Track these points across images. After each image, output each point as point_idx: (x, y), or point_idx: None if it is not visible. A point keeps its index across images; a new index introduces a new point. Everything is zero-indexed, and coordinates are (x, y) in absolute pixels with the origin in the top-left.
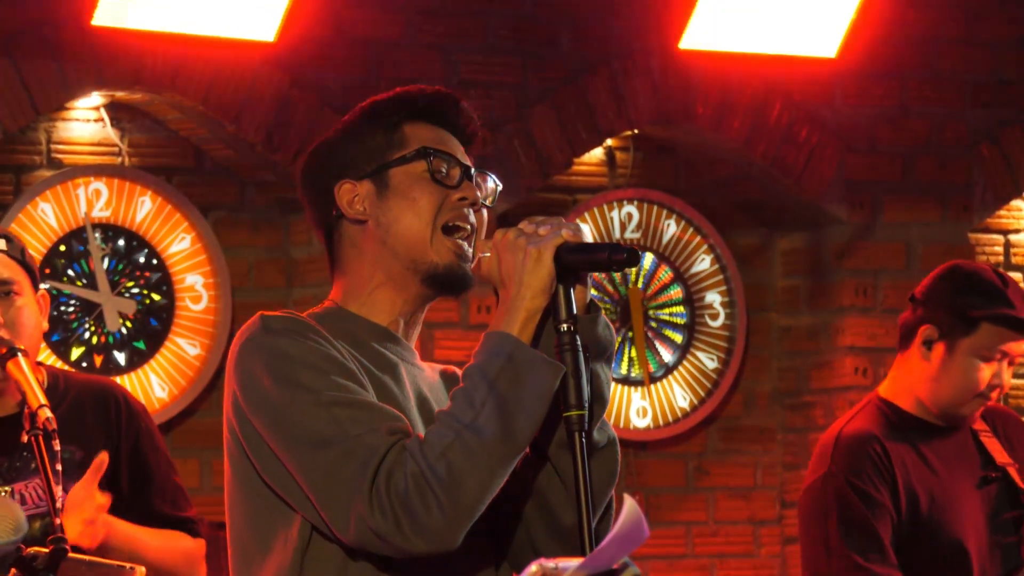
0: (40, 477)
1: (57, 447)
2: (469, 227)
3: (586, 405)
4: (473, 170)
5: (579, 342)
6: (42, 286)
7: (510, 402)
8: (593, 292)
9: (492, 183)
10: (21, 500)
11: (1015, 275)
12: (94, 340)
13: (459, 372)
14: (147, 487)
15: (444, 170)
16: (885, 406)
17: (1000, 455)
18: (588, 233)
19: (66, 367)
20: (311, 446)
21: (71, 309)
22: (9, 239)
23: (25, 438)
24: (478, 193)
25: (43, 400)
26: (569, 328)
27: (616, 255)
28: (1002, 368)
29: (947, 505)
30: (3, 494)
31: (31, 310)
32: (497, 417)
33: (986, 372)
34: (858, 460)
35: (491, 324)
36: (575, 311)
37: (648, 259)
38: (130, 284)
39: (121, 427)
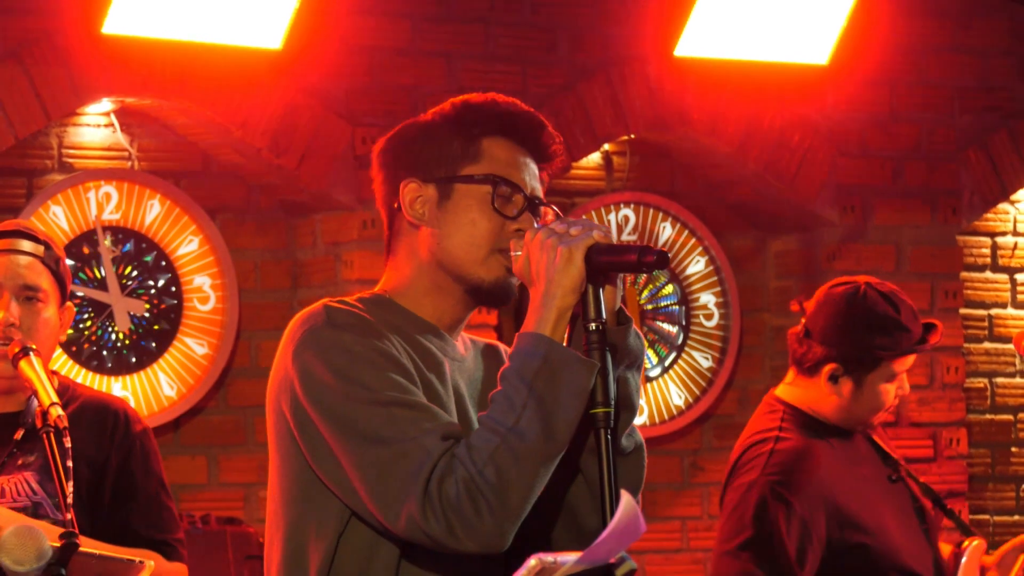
0: (25, 472)
1: (68, 444)
2: None
3: (612, 403)
4: (538, 199)
5: (607, 341)
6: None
7: (548, 403)
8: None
9: (553, 213)
10: (0, 494)
11: (1001, 276)
12: (104, 340)
13: (501, 347)
14: (128, 505)
15: (507, 197)
16: (796, 412)
17: (889, 450)
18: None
19: (80, 378)
20: (368, 442)
21: (82, 310)
22: (48, 247)
23: (19, 435)
24: (536, 224)
25: (54, 398)
26: (598, 327)
27: (646, 257)
28: (902, 379)
29: (875, 502)
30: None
31: (51, 319)
32: (538, 419)
33: (891, 390)
34: (788, 471)
35: (524, 324)
36: (604, 311)
37: None
38: (139, 286)
39: (114, 442)
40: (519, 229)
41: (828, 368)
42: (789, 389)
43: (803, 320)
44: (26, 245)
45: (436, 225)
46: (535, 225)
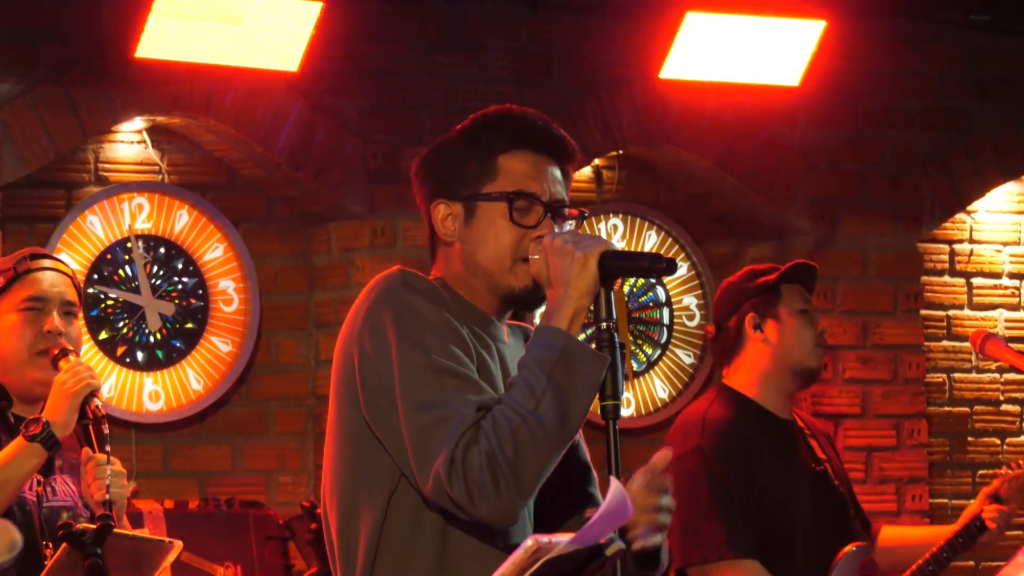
0: (63, 475)
1: (106, 431)
2: None
3: (620, 397)
4: (558, 203)
5: (616, 339)
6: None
7: (565, 391)
8: None
9: (578, 216)
10: (54, 492)
11: (958, 280)
12: (137, 339)
13: (524, 325)
14: None
15: (526, 209)
16: (738, 394)
17: (819, 452)
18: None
19: (113, 375)
20: (416, 404)
21: (117, 311)
22: (72, 272)
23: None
24: (556, 229)
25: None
26: (608, 326)
27: (657, 264)
28: (813, 316)
29: (788, 490)
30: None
31: (80, 332)
32: (555, 406)
33: (807, 326)
34: (722, 442)
35: (541, 320)
36: (614, 312)
37: None
38: (169, 289)
39: None
40: (540, 236)
41: (747, 320)
42: (732, 373)
43: (708, 328)
44: (63, 266)
45: (466, 241)
46: (555, 230)
